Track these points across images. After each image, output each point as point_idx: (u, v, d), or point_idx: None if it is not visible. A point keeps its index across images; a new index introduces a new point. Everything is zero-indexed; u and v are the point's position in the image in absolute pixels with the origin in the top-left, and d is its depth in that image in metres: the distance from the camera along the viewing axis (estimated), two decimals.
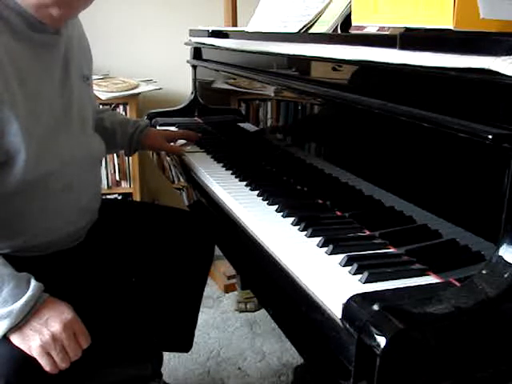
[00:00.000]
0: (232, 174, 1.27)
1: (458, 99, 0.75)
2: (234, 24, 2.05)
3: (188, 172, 1.40)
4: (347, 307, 0.65)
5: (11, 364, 0.88)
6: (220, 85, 1.69)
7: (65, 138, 1.05)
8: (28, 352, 0.88)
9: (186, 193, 1.49)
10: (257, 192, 1.12)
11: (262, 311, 2.04)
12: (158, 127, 1.75)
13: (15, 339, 0.89)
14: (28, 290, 0.90)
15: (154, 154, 1.77)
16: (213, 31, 1.71)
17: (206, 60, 1.82)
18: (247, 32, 1.48)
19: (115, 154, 2.24)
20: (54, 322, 0.90)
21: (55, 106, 1.04)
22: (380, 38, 0.96)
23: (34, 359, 0.89)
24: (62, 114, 1.06)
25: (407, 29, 0.87)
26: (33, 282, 0.92)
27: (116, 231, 1.28)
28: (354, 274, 0.75)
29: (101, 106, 2.19)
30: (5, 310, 0.88)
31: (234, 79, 1.54)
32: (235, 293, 2.20)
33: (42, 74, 1.02)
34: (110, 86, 2.20)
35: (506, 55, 0.66)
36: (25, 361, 0.88)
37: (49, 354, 0.89)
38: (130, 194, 2.33)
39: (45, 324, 0.90)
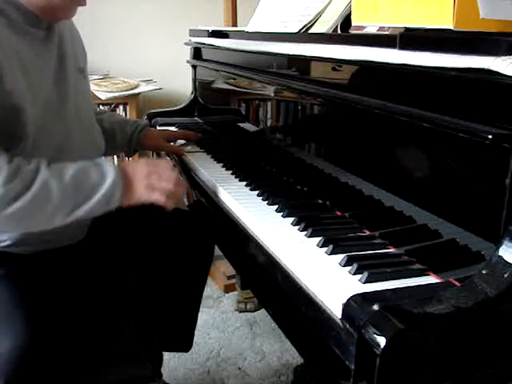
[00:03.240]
0: (232, 173, 1.26)
1: (458, 99, 0.75)
2: (234, 24, 2.05)
3: (188, 172, 1.40)
4: (347, 307, 0.65)
5: (11, 364, 0.88)
6: (220, 85, 1.69)
7: (60, 126, 1.06)
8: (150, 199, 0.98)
9: (186, 193, 1.49)
10: (257, 192, 1.12)
11: (262, 311, 2.04)
12: (157, 127, 1.75)
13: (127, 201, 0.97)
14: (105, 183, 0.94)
15: (154, 154, 1.77)
16: (213, 31, 1.71)
17: (205, 60, 1.82)
18: (247, 32, 1.48)
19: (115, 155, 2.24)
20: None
21: (52, 96, 1.06)
22: (380, 38, 0.96)
23: (35, 358, 0.89)
24: (58, 104, 1.08)
25: (407, 29, 0.87)
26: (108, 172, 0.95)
27: (116, 231, 1.28)
28: (354, 274, 0.75)
29: (101, 107, 2.19)
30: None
31: (234, 79, 1.54)
32: (235, 293, 2.19)
33: (40, 66, 1.04)
34: (109, 86, 2.20)
35: (506, 55, 0.66)
36: (25, 360, 0.89)
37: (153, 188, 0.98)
38: None
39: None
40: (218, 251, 1.30)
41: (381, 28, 1.02)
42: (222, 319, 2.05)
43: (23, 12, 0.98)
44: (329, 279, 0.74)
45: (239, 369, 1.76)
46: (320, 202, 1.07)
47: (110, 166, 0.96)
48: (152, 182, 0.98)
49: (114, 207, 0.95)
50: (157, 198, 0.99)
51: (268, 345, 1.88)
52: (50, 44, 1.08)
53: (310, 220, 0.93)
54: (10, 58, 0.94)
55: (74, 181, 0.92)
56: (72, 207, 0.91)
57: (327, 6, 1.20)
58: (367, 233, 0.90)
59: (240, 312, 2.09)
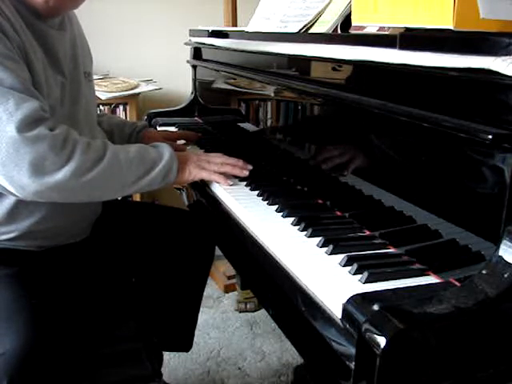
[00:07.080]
0: None
1: (458, 99, 0.75)
2: (234, 24, 2.05)
3: None
4: (347, 307, 0.65)
5: (14, 363, 0.88)
6: (220, 85, 1.69)
7: (70, 126, 1.07)
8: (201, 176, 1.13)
9: (186, 193, 1.49)
10: (257, 192, 1.12)
11: (262, 311, 2.04)
12: (158, 127, 1.75)
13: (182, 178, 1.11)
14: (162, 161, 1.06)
15: None
16: (213, 31, 1.71)
17: (205, 60, 1.82)
18: (247, 32, 1.48)
19: None
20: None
21: (65, 96, 1.09)
22: (380, 38, 0.96)
23: (38, 358, 0.89)
24: (70, 105, 1.11)
25: (407, 29, 0.87)
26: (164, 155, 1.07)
27: (116, 231, 1.28)
28: (354, 274, 0.75)
29: (101, 106, 2.19)
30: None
31: (234, 79, 1.54)
32: (235, 293, 2.20)
33: (53, 63, 1.07)
34: (109, 86, 2.20)
35: (506, 55, 0.66)
36: (28, 359, 0.89)
37: (203, 168, 1.13)
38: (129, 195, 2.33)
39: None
40: (218, 251, 1.30)
41: (381, 28, 1.02)
42: (222, 319, 2.05)
43: (30, 7, 1.00)
44: (329, 279, 0.74)
45: (239, 369, 1.76)
46: (320, 201, 1.07)
47: (165, 147, 1.09)
48: (201, 163, 1.13)
49: (171, 181, 1.08)
50: (205, 175, 1.13)
51: (268, 345, 1.88)
52: (63, 46, 1.10)
53: (310, 220, 0.93)
54: (33, 45, 0.98)
55: (138, 155, 1.03)
56: (137, 178, 1.02)
57: (327, 5, 1.20)
58: (367, 233, 0.90)
59: (240, 312, 2.09)
